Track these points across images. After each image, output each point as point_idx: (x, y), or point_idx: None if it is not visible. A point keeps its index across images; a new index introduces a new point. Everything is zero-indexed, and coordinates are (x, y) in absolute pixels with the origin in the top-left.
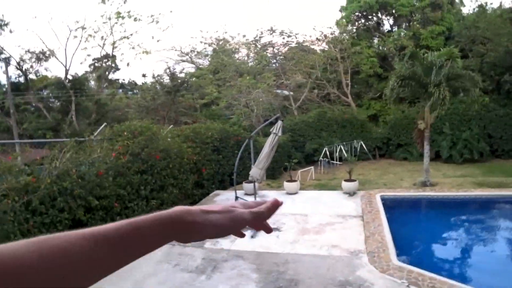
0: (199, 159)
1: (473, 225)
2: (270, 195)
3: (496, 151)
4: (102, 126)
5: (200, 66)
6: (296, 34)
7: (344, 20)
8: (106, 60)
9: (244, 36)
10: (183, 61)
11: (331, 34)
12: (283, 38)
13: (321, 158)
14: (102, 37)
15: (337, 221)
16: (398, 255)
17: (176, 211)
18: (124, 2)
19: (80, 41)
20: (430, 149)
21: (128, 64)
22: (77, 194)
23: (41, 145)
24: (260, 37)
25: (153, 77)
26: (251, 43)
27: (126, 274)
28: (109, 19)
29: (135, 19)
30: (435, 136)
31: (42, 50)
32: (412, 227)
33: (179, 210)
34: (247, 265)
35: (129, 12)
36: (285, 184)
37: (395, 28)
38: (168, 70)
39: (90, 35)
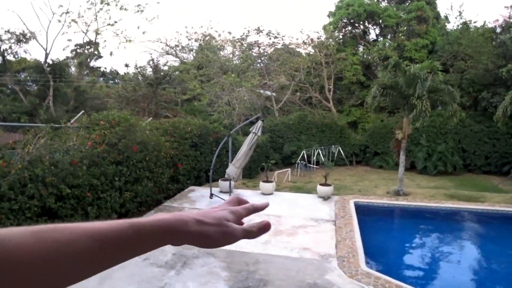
0: (176, 153)
1: (442, 236)
2: (246, 194)
3: (469, 165)
4: (80, 113)
5: (185, 61)
6: (283, 36)
7: (331, 26)
8: (88, 46)
9: (230, 33)
10: (168, 54)
11: (318, 38)
12: (270, 39)
13: (298, 161)
14: (85, 23)
15: (311, 224)
16: (367, 261)
17: (175, 219)
18: None
19: (63, 25)
20: (406, 160)
21: (111, 53)
22: (49, 182)
23: (14, 129)
24: (246, 36)
25: (136, 67)
26: (237, 41)
27: None
28: (94, 4)
29: (121, 8)
30: (411, 147)
31: (23, 31)
32: (383, 234)
33: (177, 219)
34: (217, 263)
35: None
36: (261, 184)
37: (381, 38)
38: (151, 62)
39: (73, 20)
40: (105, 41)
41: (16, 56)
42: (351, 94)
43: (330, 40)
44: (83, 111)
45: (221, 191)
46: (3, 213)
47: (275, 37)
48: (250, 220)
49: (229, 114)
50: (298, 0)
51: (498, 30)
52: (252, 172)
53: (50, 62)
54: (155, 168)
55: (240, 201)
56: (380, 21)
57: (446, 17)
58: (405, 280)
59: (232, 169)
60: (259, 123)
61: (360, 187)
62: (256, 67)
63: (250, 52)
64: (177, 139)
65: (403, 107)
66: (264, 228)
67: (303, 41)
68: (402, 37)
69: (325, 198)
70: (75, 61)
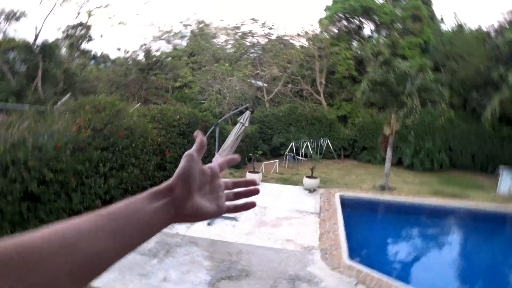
0: (164, 141)
1: (424, 231)
2: None
3: (455, 164)
4: (66, 96)
5: (177, 47)
6: (277, 27)
7: (326, 20)
8: (80, 28)
9: (221, 20)
10: (161, 39)
11: (312, 31)
12: (264, 30)
13: (287, 153)
14: (77, 3)
15: (295, 216)
16: (349, 254)
17: (180, 201)
18: None
19: (55, 5)
20: (394, 155)
21: (101, 35)
22: (31, 166)
23: (4, 110)
24: (242, 24)
25: (126, 52)
26: (231, 29)
27: None
28: None
29: None
30: (400, 143)
31: (12, 10)
32: (367, 228)
33: (182, 201)
34: (200, 252)
35: None
36: (247, 175)
37: (375, 34)
38: (143, 47)
39: (65, 0)
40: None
41: (5, 35)
42: (342, 88)
43: (325, 33)
44: (70, 94)
45: None
46: None
47: (270, 28)
48: None
49: (219, 103)
50: None
51: (493, 34)
52: (240, 163)
53: (40, 43)
54: (142, 155)
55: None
56: (376, 17)
57: (442, 18)
58: (387, 274)
59: (218, 159)
60: (247, 113)
61: (347, 181)
62: (249, 57)
63: (244, 41)
64: (165, 126)
65: (393, 104)
66: (248, 205)
67: (298, 33)
68: (397, 34)
69: (311, 190)
70: (66, 42)
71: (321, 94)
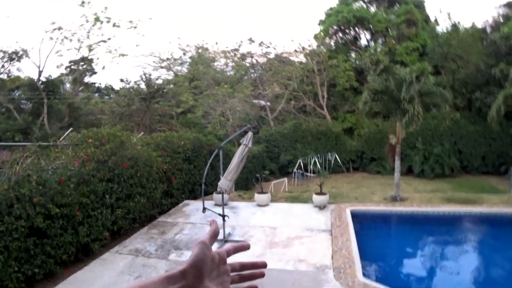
0: (170, 168)
1: (440, 241)
2: (241, 206)
3: (466, 167)
4: (68, 131)
5: (178, 73)
6: (275, 45)
7: (322, 34)
8: (82, 63)
9: (217, 43)
10: (161, 67)
11: (309, 46)
12: (262, 49)
13: (295, 170)
14: (78, 40)
15: (306, 234)
16: (364, 271)
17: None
18: (105, 9)
19: (56, 42)
20: (403, 164)
21: (103, 67)
22: (36, 201)
23: (8, 148)
24: (239, 46)
25: (127, 82)
26: (230, 52)
27: (86, 284)
28: (87, 21)
29: (114, 24)
30: (408, 151)
31: (15, 50)
32: (380, 242)
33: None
34: None
35: (109, 18)
36: (256, 195)
37: (372, 43)
38: (144, 76)
39: (66, 37)
40: (98, 58)
41: (10, 75)
42: (345, 100)
43: (322, 47)
44: (71, 129)
45: (215, 204)
46: None
47: (267, 47)
48: (246, 233)
49: (223, 125)
50: (288, 10)
51: (488, 30)
52: (249, 183)
53: (44, 80)
54: (147, 183)
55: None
56: (370, 26)
57: (436, 20)
58: None
59: (224, 182)
60: (250, 134)
61: (357, 194)
62: (250, 77)
63: (243, 62)
64: (169, 153)
65: (395, 112)
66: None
67: (295, 50)
68: (393, 41)
69: (321, 207)
70: (70, 77)
71: (324, 108)
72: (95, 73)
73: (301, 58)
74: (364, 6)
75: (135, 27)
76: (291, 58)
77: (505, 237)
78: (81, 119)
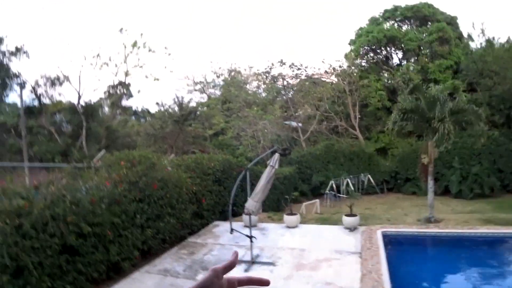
0: (200, 189)
1: (476, 264)
2: (270, 228)
3: (507, 186)
4: (101, 152)
5: (212, 96)
6: (305, 67)
7: (352, 54)
8: (120, 87)
9: (251, 67)
10: (195, 90)
11: (340, 67)
12: (293, 71)
13: (327, 191)
14: (116, 65)
15: (335, 257)
16: None
17: None
18: (141, 35)
19: (95, 68)
20: (439, 184)
21: (139, 91)
22: (70, 221)
23: (46, 169)
24: (270, 69)
25: (161, 105)
26: (262, 74)
27: None
28: (125, 47)
29: (149, 50)
30: (444, 171)
31: (57, 75)
32: (411, 266)
33: None
34: None
35: (144, 43)
36: (285, 217)
37: (404, 62)
38: (176, 100)
39: (104, 63)
40: (134, 82)
41: (52, 99)
42: (377, 120)
43: (353, 68)
44: (103, 151)
45: (245, 226)
46: (25, 251)
47: (298, 69)
48: (274, 254)
49: (254, 147)
50: (318, 31)
51: None
52: (280, 205)
53: (83, 104)
54: (177, 204)
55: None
56: (402, 45)
57: (470, 36)
58: None
59: (251, 203)
60: (276, 155)
61: (390, 215)
62: (281, 99)
63: (275, 84)
64: (199, 175)
65: (426, 131)
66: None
67: (326, 71)
68: (425, 59)
69: (351, 229)
70: (108, 101)
71: (357, 128)
72: (131, 96)
73: (332, 78)
74: (395, 25)
75: (169, 54)
76: (322, 79)
77: None
78: (118, 141)
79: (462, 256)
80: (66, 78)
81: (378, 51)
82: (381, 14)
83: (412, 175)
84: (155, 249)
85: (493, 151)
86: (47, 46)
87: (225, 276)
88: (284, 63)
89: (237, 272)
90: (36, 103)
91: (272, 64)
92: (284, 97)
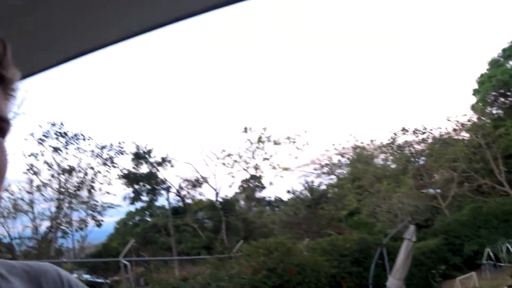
0: (338, 272)
1: None
2: None
3: None
4: (239, 243)
5: (341, 176)
6: (430, 129)
7: (480, 104)
8: (252, 181)
9: (373, 141)
10: (323, 173)
11: (468, 121)
12: (417, 136)
13: (484, 261)
14: (245, 161)
15: None
16: None
17: None
18: (264, 130)
19: (227, 166)
20: None
21: (270, 183)
22: None
23: (192, 262)
24: (394, 139)
25: (292, 192)
26: (386, 146)
27: None
28: (251, 143)
29: (274, 143)
30: None
31: (196, 178)
32: None
33: None
34: None
35: (269, 137)
36: None
37: None
38: (306, 185)
39: (235, 161)
40: (263, 174)
41: (193, 199)
42: None
43: (483, 118)
44: (242, 241)
45: None
46: None
47: (423, 133)
48: None
49: (392, 222)
50: (430, 89)
51: None
52: (428, 282)
53: (221, 200)
54: None
55: None
56: None
57: None
58: None
59: (392, 282)
60: (411, 227)
61: None
62: (413, 167)
63: (402, 153)
64: (336, 257)
65: None
66: None
67: (453, 129)
68: None
69: None
70: (243, 195)
71: (505, 184)
72: (264, 188)
73: (463, 135)
74: None
75: (294, 142)
76: (452, 137)
77: None
78: (255, 231)
79: None
80: (204, 179)
81: (508, 93)
82: (501, 54)
83: None
84: None
85: None
86: (185, 152)
87: None
88: (407, 130)
89: None
90: (180, 204)
91: (395, 134)
92: (415, 164)
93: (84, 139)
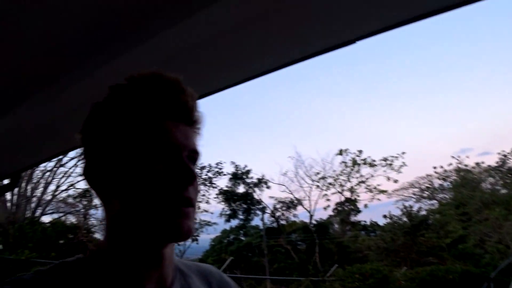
0: None
1: None
2: None
3: None
4: (333, 268)
5: (442, 201)
6: None
7: None
8: (347, 204)
9: (481, 163)
10: (423, 197)
11: None
12: None
13: None
14: (340, 184)
15: None
16: None
17: None
18: (360, 152)
19: (322, 189)
20: None
21: (365, 206)
22: None
23: (285, 283)
24: (504, 161)
25: (389, 217)
26: (495, 169)
27: None
28: (346, 166)
29: (370, 165)
30: None
31: (291, 199)
32: None
33: None
34: None
35: (364, 159)
36: None
37: None
38: (404, 210)
39: (330, 183)
40: (358, 197)
41: (288, 220)
42: None
43: None
44: (336, 265)
45: None
46: None
47: None
48: None
49: (502, 253)
50: None
51: None
52: None
53: (315, 222)
54: None
55: None
56: None
57: None
58: None
59: None
60: None
61: None
62: None
63: None
64: None
65: None
66: None
67: None
68: None
69: None
70: (337, 218)
71: None
72: (359, 211)
73: None
74: None
75: (390, 164)
76: None
77: None
78: (349, 256)
79: None
80: (299, 201)
81: None
82: None
83: None
84: None
85: None
86: (280, 173)
87: None
88: None
89: None
90: (274, 224)
91: (505, 156)
92: None
93: None
